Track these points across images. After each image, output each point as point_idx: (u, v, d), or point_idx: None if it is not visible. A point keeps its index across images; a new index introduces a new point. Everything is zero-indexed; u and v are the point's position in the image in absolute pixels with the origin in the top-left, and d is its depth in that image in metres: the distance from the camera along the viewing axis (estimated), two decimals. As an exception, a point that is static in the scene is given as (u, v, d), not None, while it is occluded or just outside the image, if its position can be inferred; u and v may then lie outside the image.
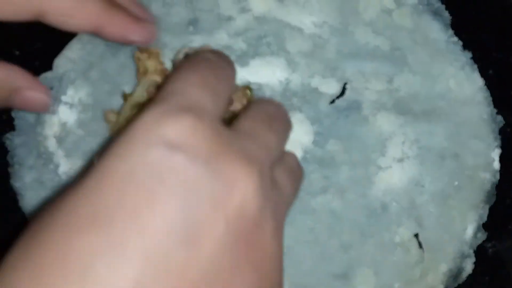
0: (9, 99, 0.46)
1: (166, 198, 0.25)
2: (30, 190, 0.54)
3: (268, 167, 0.32)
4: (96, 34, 0.46)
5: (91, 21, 0.44)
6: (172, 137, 0.26)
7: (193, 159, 0.26)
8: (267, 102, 0.42)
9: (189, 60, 0.37)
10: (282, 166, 0.36)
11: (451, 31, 0.58)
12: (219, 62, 0.38)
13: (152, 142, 0.26)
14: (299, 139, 0.55)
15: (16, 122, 0.55)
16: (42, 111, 0.49)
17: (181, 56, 0.52)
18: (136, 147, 0.26)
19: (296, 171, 0.39)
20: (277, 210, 0.33)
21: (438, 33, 0.58)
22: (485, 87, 0.57)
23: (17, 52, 0.54)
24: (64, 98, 0.55)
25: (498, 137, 0.56)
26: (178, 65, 0.39)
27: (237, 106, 0.50)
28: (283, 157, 0.37)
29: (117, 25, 0.46)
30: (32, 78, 0.46)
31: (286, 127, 0.39)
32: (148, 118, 0.28)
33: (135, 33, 0.47)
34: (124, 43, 0.49)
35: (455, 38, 0.58)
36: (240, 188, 0.27)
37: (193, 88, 0.31)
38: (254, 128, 0.34)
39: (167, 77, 0.37)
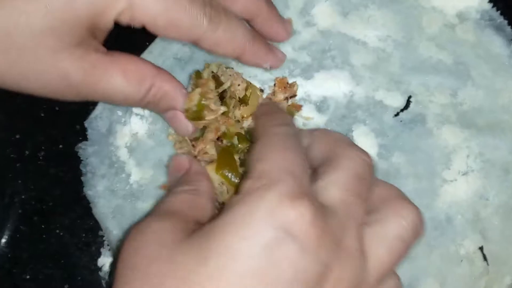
0: (165, 111, 0.50)
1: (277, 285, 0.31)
2: (102, 198, 0.57)
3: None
4: (236, 59, 0.52)
5: (236, 51, 0.50)
6: (290, 224, 0.33)
7: (304, 251, 0.32)
8: (354, 158, 0.43)
9: (267, 134, 0.43)
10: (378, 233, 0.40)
11: (513, 46, 0.60)
12: (290, 128, 0.44)
13: (274, 226, 0.33)
14: (364, 151, 0.57)
15: (89, 132, 0.58)
16: (181, 134, 0.53)
17: (205, 74, 0.55)
18: (258, 228, 0.33)
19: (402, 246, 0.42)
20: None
21: (501, 48, 0.60)
22: (547, 101, 0.59)
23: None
24: (135, 109, 0.58)
25: (561, 151, 0.58)
26: (258, 136, 0.43)
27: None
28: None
29: (255, 55, 0.51)
30: None
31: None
32: (269, 202, 0.33)
33: (267, 61, 0.53)
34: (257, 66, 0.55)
35: (517, 53, 0.60)
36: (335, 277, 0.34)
37: (294, 168, 0.37)
38: (348, 204, 0.38)
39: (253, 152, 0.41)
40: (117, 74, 0.45)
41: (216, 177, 0.51)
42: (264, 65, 0.54)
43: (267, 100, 0.55)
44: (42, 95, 0.45)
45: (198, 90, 0.53)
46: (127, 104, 0.48)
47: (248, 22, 0.53)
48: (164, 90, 0.48)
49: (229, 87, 0.54)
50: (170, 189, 0.49)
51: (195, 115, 0.52)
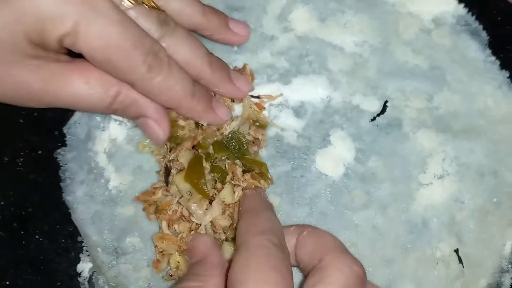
0: (134, 118, 0.51)
1: None
2: (82, 204, 0.58)
3: None
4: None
5: (170, 103, 0.51)
6: None
7: None
8: (345, 271, 0.42)
9: (251, 245, 0.43)
10: None
11: (488, 51, 0.62)
12: (275, 236, 0.44)
13: None
14: (341, 155, 0.59)
15: (67, 138, 0.59)
16: (153, 140, 0.54)
17: None
18: None
19: None
20: None
21: (476, 52, 0.62)
22: (522, 105, 0.61)
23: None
24: (114, 115, 0.58)
25: (536, 154, 0.60)
26: (241, 245, 0.44)
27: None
28: None
29: (191, 111, 0.53)
30: (162, 112, 0.51)
31: None
32: None
33: (204, 119, 0.55)
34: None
35: (493, 58, 0.62)
36: None
37: None
38: None
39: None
40: (79, 82, 0.45)
41: (185, 185, 0.53)
42: (201, 122, 0.55)
43: (250, 190, 0.55)
44: (4, 102, 0.46)
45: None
46: (94, 111, 0.48)
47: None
48: (132, 97, 0.48)
49: None
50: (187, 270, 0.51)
51: (172, 140, 0.56)
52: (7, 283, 0.56)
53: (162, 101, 0.49)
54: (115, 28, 0.43)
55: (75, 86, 0.45)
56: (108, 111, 0.48)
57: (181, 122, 0.56)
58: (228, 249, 0.53)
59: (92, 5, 0.41)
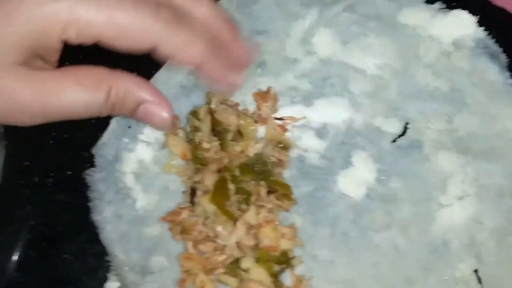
0: (134, 110, 0.46)
1: None
2: (110, 224, 0.60)
3: None
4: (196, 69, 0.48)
5: (196, 58, 0.45)
6: None
7: None
8: None
9: None
10: None
11: (507, 73, 0.63)
12: None
13: None
14: (363, 176, 0.60)
15: (96, 159, 0.60)
16: (160, 128, 0.51)
17: (202, 113, 0.60)
18: None
19: None
20: None
21: (495, 75, 0.63)
22: (541, 127, 0.62)
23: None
24: (141, 136, 0.61)
25: (554, 175, 0.61)
26: None
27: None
28: None
29: (214, 68, 0.47)
30: (159, 94, 0.47)
31: None
32: None
33: (226, 78, 0.49)
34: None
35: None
36: None
37: None
38: None
39: None
40: (70, 84, 0.42)
41: (211, 207, 0.55)
42: (222, 83, 0.50)
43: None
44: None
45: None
46: (92, 114, 0.44)
47: None
48: (125, 87, 0.44)
49: (224, 121, 0.58)
50: None
51: (198, 161, 0.58)
52: (36, 302, 0.58)
53: (188, 58, 0.45)
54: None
55: (67, 91, 0.42)
56: (107, 110, 0.44)
57: (205, 145, 0.58)
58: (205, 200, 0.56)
59: None
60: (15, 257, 0.59)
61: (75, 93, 0.42)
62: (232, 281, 0.56)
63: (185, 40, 0.44)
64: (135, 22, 0.41)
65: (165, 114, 0.46)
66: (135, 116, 0.46)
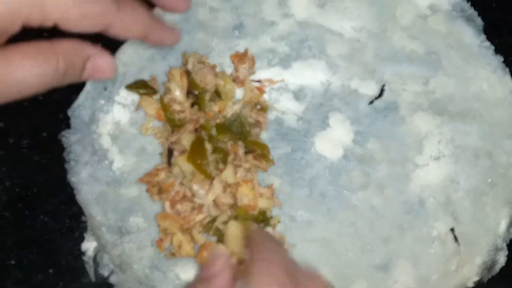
0: (83, 69, 0.48)
1: None
2: (86, 185, 0.60)
3: None
4: (142, 40, 0.50)
5: (144, 31, 0.49)
6: None
7: None
8: None
9: None
10: None
11: (483, 36, 0.64)
12: None
13: None
14: (340, 138, 0.61)
15: (72, 121, 0.60)
16: (110, 76, 0.51)
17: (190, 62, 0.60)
18: None
19: None
20: None
21: (471, 38, 0.64)
22: (516, 89, 0.63)
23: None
24: (117, 98, 0.61)
25: (529, 137, 0.62)
26: None
27: None
28: None
29: (159, 34, 0.51)
30: (99, 47, 0.48)
31: None
32: None
33: (170, 39, 0.52)
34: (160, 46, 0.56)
35: (487, 43, 0.64)
36: None
37: None
38: None
39: None
40: (20, 59, 0.42)
41: (188, 166, 0.55)
42: (167, 43, 0.52)
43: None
44: None
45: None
46: (47, 85, 0.45)
47: None
48: (71, 49, 0.46)
49: (201, 81, 0.58)
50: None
51: (171, 122, 0.59)
52: (12, 262, 0.58)
53: (137, 33, 0.49)
54: None
55: (18, 66, 0.42)
56: (59, 76, 0.45)
57: (176, 106, 0.58)
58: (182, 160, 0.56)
59: None
60: (-10, 219, 0.58)
61: (26, 67, 0.43)
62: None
63: (133, 19, 0.47)
64: (98, 6, 0.43)
65: (110, 61, 0.48)
66: (85, 76, 0.48)
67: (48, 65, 0.44)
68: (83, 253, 0.58)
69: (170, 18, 0.60)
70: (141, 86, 0.59)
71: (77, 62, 0.46)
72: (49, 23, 0.42)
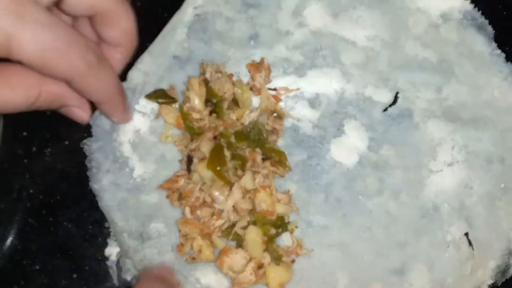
0: (56, 109, 0.52)
1: None
2: (108, 192, 0.61)
3: None
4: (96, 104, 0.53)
5: (102, 99, 0.52)
6: None
7: None
8: None
9: None
10: None
11: (494, 44, 0.66)
12: None
13: None
14: (355, 144, 0.62)
15: (93, 129, 0.62)
16: (80, 121, 0.55)
17: (195, 83, 0.61)
18: None
19: None
20: None
21: (483, 46, 0.65)
22: (527, 96, 0.64)
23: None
24: (137, 107, 0.62)
25: (540, 142, 0.63)
26: None
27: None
28: None
29: (114, 108, 0.55)
30: (82, 98, 0.52)
31: None
32: None
33: (121, 118, 0.58)
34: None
35: (498, 51, 0.66)
36: None
37: None
38: None
39: None
40: (2, 88, 0.45)
41: (207, 173, 0.56)
42: (117, 120, 0.59)
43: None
44: None
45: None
46: (19, 111, 0.48)
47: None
48: (55, 93, 0.49)
49: (219, 90, 0.60)
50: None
51: (190, 130, 0.60)
52: (37, 268, 0.60)
53: (95, 97, 0.50)
54: (47, 30, 0.41)
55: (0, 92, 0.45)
56: (32, 108, 0.48)
57: (195, 115, 0.60)
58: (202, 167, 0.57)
59: (20, 13, 0.40)
60: (16, 225, 0.60)
61: (7, 96, 0.45)
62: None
63: (100, 83, 0.48)
64: (64, 61, 0.44)
65: (85, 116, 0.53)
66: (58, 110, 0.52)
67: (27, 101, 0.47)
68: (106, 258, 0.60)
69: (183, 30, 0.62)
70: (161, 96, 0.61)
71: (54, 105, 0.50)
72: (13, 59, 0.43)
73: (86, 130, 0.62)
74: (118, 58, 0.52)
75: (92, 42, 0.46)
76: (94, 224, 0.60)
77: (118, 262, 0.59)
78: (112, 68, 0.49)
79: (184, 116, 0.59)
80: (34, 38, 0.41)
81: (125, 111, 0.56)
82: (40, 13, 0.41)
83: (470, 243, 0.60)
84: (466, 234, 0.61)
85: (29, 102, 0.46)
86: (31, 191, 0.60)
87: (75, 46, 0.44)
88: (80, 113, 0.53)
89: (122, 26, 0.50)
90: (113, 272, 0.59)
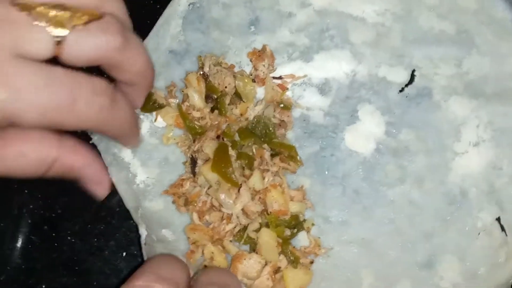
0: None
1: None
2: (110, 201, 0.57)
3: None
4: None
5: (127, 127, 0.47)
6: None
7: None
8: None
9: None
10: None
11: (516, 9, 0.59)
12: None
13: None
14: (371, 130, 0.58)
15: (91, 136, 0.58)
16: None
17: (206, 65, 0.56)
18: None
19: None
20: None
21: (503, 12, 0.60)
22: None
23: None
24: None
25: None
26: None
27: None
28: None
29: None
30: (101, 172, 0.48)
31: None
32: None
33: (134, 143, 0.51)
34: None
35: (522, 16, 0.59)
36: None
37: None
38: None
39: None
40: (14, 157, 0.42)
41: (212, 175, 0.52)
42: (127, 147, 0.56)
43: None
44: None
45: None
46: (24, 178, 0.44)
47: None
48: (68, 165, 0.45)
49: (219, 84, 0.56)
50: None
51: (192, 130, 0.56)
52: (44, 287, 0.57)
53: (111, 134, 0.46)
54: (44, 91, 0.38)
55: (10, 161, 0.41)
56: (43, 175, 0.44)
57: (196, 113, 0.56)
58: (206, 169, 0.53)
59: (10, 81, 0.37)
60: (18, 244, 0.57)
61: (18, 166, 0.42)
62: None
63: (116, 119, 0.44)
64: (72, 115, 0.40)
65: (102, 193, 0.48)
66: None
67: (38, 171, 0.43)
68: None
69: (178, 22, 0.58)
70: (155, 104, 0.56)
71: (66, 175, 0.45)
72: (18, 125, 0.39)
73: (83, 137, 0.57)
74: (136, 94, 0.48)
75: (102, 81, 0.41)
76: (99, 236, 0.57)
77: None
78: (127, 104, 0.45)
79: (184, 116, 0.55)
80: (31, 105, 0.37)
81: (138, 139, 0.51)
82: (33, 73, 0.37)
83: (502, 228, 0.56)
84: (498, 219, 0.56)
85: (40, 172, 0.43)
86: (31, 206, 0.58)
87: (79, 96, 0.39)
88: (97, 190, 0.48)
89: (133, 70, 0.45)
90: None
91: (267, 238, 0.53)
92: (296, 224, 0.54)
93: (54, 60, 0.39)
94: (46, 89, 0.37)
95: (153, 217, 0.57)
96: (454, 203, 0.56)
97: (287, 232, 0.54)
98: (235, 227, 0.54)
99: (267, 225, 0.53)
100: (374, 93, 0.58)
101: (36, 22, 0.38)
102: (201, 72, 0.56)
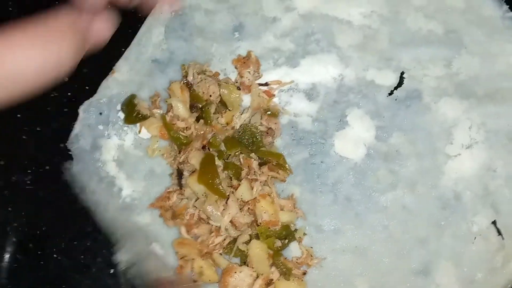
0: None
1: None
2: (96, 215, 0.56)
3: None
4: None
5: None
6: None
7: None
8: None
9: None
10: None
11: (505, 7, 0.59)
12: None
13: None
14: (361, 135, 0.56)
15: (72, 151, 0.57)
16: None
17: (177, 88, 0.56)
18: None
19: None
20: None
21: (493, 10, 0.58)
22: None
23: (66, 79, 0.54)
24: (116, 119, 0.56)
25: None
26: None
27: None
28: None
29: None
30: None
31: None
32: None
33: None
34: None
35: (511, 13, 0.58)
36: None
37: None
38: None
39: None
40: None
41: (199, 187, 0.50)
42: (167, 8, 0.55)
43: None
44: None
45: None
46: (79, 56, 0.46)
47: None
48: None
49: (204, 93, 0.54)
50: None
51: (176, 141, 0.55)
52: (31, 307, 0.55)
53: None
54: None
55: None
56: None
57: (180, 124, 0.54)
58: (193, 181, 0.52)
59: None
60: (3, 263, 0.56)
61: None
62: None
63: None
64: None
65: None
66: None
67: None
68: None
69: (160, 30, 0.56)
70: (139, 115, 0.55)
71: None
72: None
73: (66, 151, 0.56)
74: None
75: None
76: (85, 252, 0.55)
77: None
78: None
79: (168, 126, 0.53)
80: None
81: None
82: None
83: (499, 232, 0.55)
84: (494, 222, 0.55)
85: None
86: (15, 224, 0.56)
87: None
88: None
89: None
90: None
91: (258, 250, 0.51)
92: (287, 234, 0.53)
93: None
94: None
95: (141, 231, 0.55)
96: (448, 208, 0.54)
97: (278, 243, 0.52)
98: (224, 240, 0.53)
99: (257, 237, 0.52)
100: (363, 97, 0.57)
101: None
102: (185, 81, 0.54)
